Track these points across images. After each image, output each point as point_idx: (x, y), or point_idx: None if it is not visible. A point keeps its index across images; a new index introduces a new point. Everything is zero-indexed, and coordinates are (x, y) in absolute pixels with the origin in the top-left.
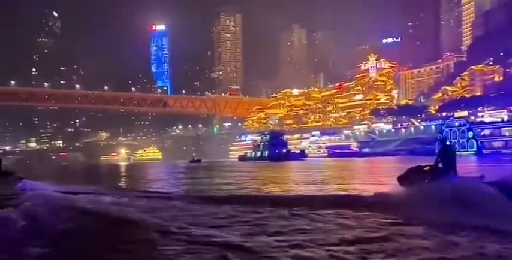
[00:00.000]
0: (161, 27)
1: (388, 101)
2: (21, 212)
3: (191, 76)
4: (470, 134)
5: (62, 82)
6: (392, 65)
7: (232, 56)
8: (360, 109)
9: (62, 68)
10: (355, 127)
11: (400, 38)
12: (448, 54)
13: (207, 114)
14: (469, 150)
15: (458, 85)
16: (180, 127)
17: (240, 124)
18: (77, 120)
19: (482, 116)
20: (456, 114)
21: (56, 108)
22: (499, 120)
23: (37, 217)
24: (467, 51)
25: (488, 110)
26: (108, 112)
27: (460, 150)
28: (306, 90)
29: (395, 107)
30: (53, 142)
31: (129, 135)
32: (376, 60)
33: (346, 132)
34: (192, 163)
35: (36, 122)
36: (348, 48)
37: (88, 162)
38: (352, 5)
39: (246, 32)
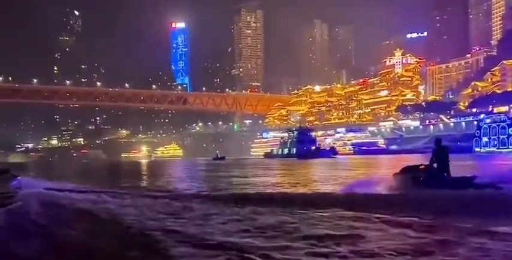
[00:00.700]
0: (181, 24)
1: (414, 97)
2: (8, 211)
3: (211, 74)
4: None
5: (83, 80)
6: (419, 60)
7: (253, 52)
8: (385, 105)
9: (82, 66)
10: (381, 124)
11: (426, 33)
12: (478, 49)
13: (227, 111)
14: (509, 146)
15: (489, 80)
16: (200, 124)
17: (260, 121)
18: (98, 118)
19: None
20: (496, 110)
21: (77, 105)
22: None
23: (24, 216)
24: (498, 45)
25: None
26: (128, 110)
27: (500, 147)
28: (328, 87)
29: (423, 103)
30: (74, 140)
31: (149, 132)
32: (402, 55)
33: (371, 128)
34: (215, 161)
35: (57, 120)
36: (371, 43)
37: (109, 159)
38: None
39: (267, 28)
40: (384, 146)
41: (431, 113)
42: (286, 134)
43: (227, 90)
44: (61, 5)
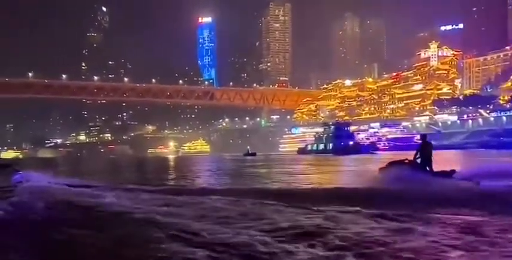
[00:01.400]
0: (207, 19)
1: (450, 91)
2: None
3: (238, 68)
4: None
5: (110, 76)
6: (456, 53)
7: (281, 46)
8: (420, 99)
9: (110, 62)
10: (416, 118)
11: (461, 25)
12: None
13: (254, 107)
14: None
15: None
16: (227, 120)
17: (288, 116)
18: (125, 114)
19: None
20: None
21: (105, 101)
22: None
23: (20, 210)
24: None
25: None
26: (154, 106)
27: None
28: (359, 81)
29: (460, 97)
30: (101, 135)
31: (175, 128)
32: (437, 47)
33: (405, 124)
34: (246, 157)
35: (85, 116)
36: (403, 36)
37: (135, 154)
38: None
39: (296, 22)
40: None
41: (469, 107)
42: (321, 129)
43: (254, 85)
44: (89, 1)
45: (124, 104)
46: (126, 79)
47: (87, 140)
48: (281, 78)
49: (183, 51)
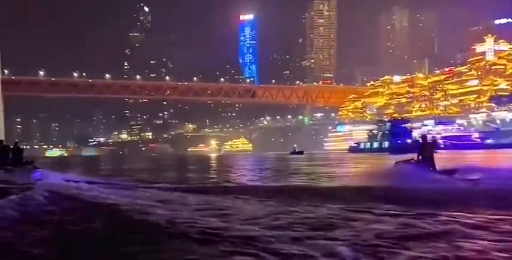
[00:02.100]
0: (249, 17)
1: (508, 87)
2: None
3: (281, 66)
4: None
5: (151, 75)
6: None
7: (325, 42)
8: (475, 96)
9: (151, 62)
10: (471, 116)
11: None
12: None
13: (297, 104)
14: None
15: None
16: (268, 118)
17: (333, 114)
18: (165, 112)
19: None
20: None
21: (146, 100)
22: None
23: (29, 206)
24: None
25: None
26: (195, 104)
27: None
28: (409, 77)
29: None
30: (142, 134)
31: (215, 126)
32: (494, 41)
33: (460, 121)
34: (293, 155)
35: (127, 114)
36: (455, 30)
37: (176, 153)
38: None
39: (341, 17)
40: (479, 140)
41: None
42: (373, 126)
43: (297, 82)
44: (132, 1)
45: (165, 103)
46: (167, 78)
47: (129, 139)
48: (325, 75)
49: (224, 49)
